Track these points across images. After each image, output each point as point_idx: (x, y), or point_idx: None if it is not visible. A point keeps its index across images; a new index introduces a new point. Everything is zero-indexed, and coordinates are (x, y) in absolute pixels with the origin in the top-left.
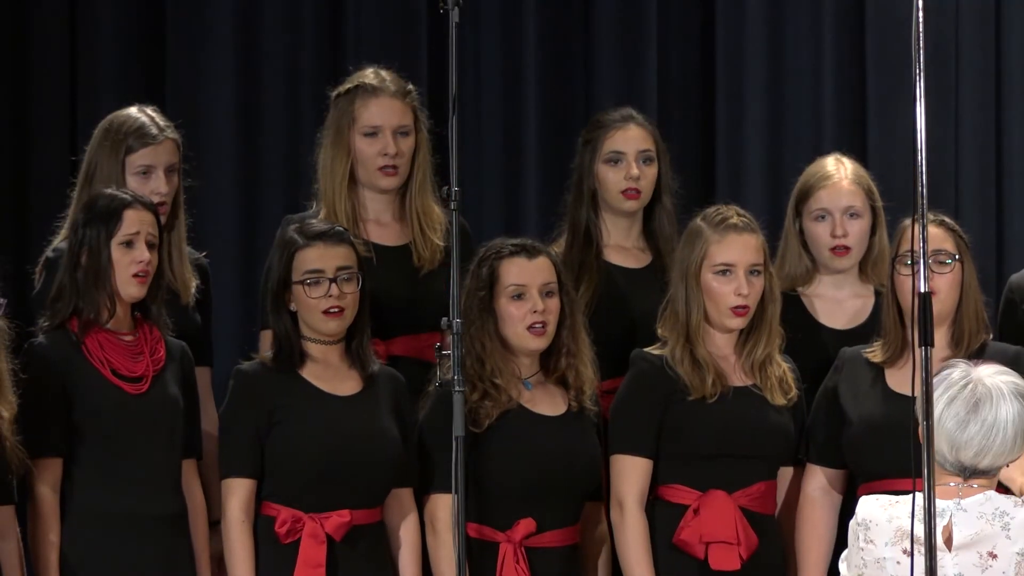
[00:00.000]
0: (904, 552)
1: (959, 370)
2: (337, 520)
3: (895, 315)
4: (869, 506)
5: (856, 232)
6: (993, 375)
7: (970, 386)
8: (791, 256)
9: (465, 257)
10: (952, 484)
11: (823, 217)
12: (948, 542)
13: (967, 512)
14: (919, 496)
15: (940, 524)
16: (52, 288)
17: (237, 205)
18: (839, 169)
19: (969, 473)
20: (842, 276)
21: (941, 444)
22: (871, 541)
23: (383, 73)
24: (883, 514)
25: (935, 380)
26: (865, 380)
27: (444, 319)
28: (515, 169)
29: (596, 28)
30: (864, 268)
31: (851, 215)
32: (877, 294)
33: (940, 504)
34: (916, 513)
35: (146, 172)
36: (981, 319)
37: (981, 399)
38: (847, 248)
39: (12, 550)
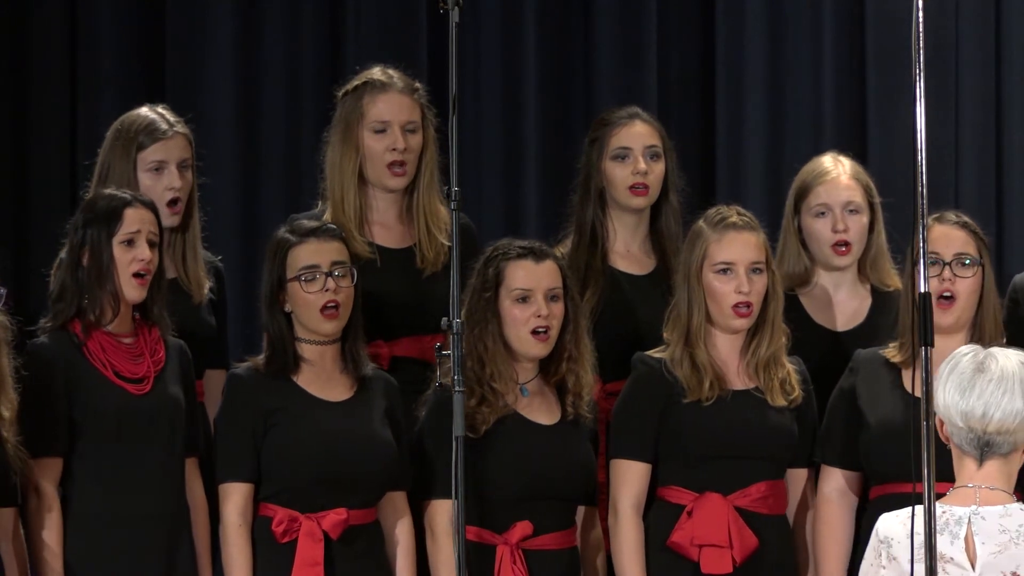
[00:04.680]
0: None
1: (969, 347)
2: (334, 518)
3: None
4: (889, 523)
5: (856, 228)
6: (1003, 349)
7: (979, 355)
8: (790, 255)
9: (470, 256)
10: (970, 486)
11: (823, 213)
12: (971, 558)
13: (986, 521)
14: (919, 497)
15: (960, 533)
16: (54, 288)
17: (238, 206)
18: (837, 166)
19: (984, 446)
20: (840, 275)
21: (954, 418)
22: (894, 558)
23: (390, 71)
24: (903, 530)
25: (947, 365)
26: (883, 382)
27: (444, 319)
28: (515, 169)
29: (596, 28)
30: (862, 268)
31: (851, 211)
32: (875, 294)
33: (957, 512)
34: (924, 519)
35: (158, 168)
36: (998, 323)
37: (985, 360)
38: (848, 244)
39: (14, 551)
